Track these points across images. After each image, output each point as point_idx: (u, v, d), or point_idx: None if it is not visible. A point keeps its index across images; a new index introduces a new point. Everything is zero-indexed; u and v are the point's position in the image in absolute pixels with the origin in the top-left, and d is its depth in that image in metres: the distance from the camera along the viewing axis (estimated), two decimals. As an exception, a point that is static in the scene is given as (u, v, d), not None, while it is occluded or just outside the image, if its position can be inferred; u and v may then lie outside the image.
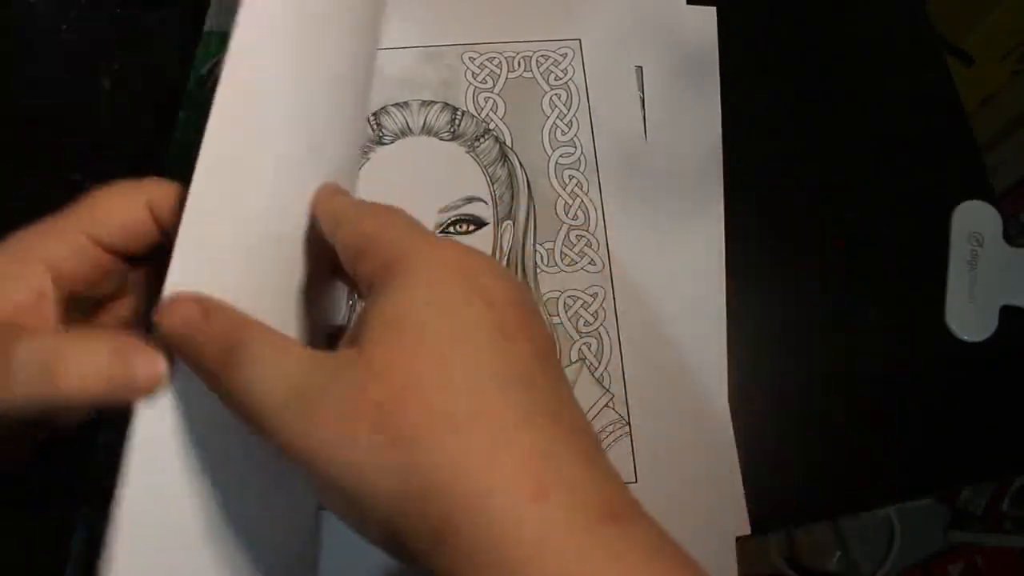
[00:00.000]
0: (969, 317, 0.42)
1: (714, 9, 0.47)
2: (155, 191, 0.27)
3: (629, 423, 0.39)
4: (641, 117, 0.45)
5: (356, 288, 0.23)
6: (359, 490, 0.19)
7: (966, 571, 0.93)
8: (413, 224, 0.24)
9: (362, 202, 0.26)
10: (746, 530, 0.37)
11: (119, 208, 0.26)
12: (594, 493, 0.19)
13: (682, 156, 0.44)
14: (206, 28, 0.45)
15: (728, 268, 0.42)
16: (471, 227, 0.41)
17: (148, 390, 0.22)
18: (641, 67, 0.46)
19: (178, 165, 0.42)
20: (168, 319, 0.22)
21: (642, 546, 0.19)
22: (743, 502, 0.38)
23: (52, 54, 0.45)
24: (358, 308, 0.22)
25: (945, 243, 0.44)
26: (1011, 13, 0.78)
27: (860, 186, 0.45)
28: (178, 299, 0.22)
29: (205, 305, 0.22)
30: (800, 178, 0.45)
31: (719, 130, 0.44)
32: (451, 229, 0.41)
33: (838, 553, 0.97)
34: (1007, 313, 0.42)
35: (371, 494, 0.19)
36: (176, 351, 0.22)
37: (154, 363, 0.22)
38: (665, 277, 0.41)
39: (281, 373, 0.20)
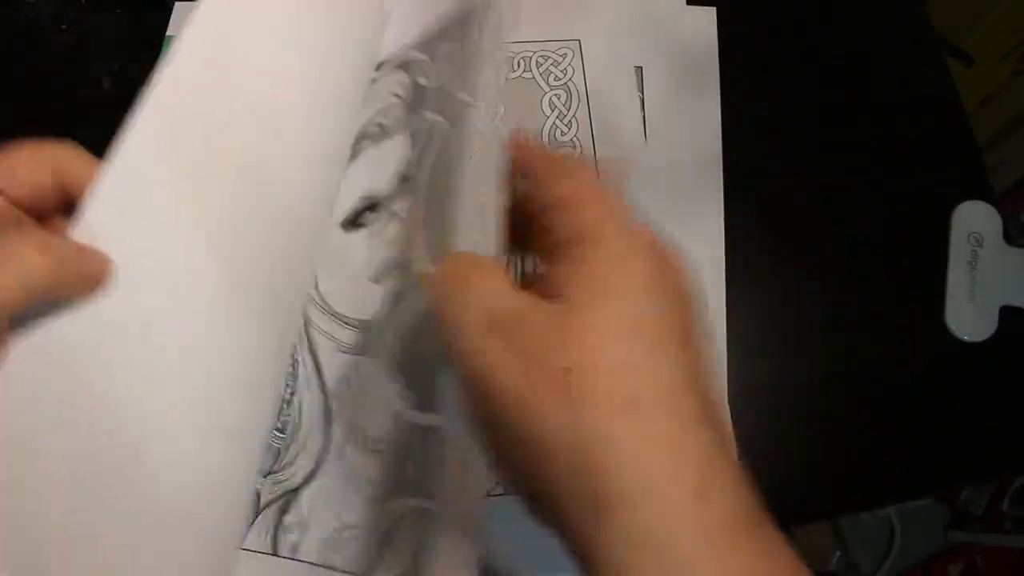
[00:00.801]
0: (969, 317, 0.42)
1: (714, 9, 0.47)
2: (65, 156, 0.28)
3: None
4: (641, 117, 0.45)
5: (534, 232, 0.25)
6: (527, 436, 0.21)
7: (966, 571, 0.93)
8: (613, 199, 0.24)
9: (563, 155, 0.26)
10: None
11: (25, 167, 0.27)
12: (744, 499, 0.21)
13: (682, 156, 0.44)
14: (168, 33, 0.45)
15: (728, 268, 0.42)
16: None
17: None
18: (641, 67, 0.46)
19: None
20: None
21: (782, 552, 0.21)
22: None
23: (52, 54, 0.45)
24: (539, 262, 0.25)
25: (945, 243, 0.44)
26: (1011, 13, 0.78)
27: (860, 186, 0.45)
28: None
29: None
30: (800, 178, 0.45)
31: (719, 130, 0.44)
32: None
33: (838, 553, 0.97)
34: (1007, 313, 0.42)
35: (538, 445, 0.20)
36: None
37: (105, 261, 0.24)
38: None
39: (491, 305, 0.22)
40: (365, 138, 0.39)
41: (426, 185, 0.37)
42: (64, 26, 0.46)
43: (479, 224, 0.28)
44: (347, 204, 0.38)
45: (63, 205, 0.27)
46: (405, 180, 0.38)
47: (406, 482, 0.33)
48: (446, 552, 0.28)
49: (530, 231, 0.26)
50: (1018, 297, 0.43)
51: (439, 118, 0.37)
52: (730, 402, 0.39)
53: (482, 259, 0.25)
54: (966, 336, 0.42)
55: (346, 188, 0.38)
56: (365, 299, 0.37)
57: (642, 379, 0.21)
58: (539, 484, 0.21)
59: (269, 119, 0.30)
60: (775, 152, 0.45)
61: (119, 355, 0.25)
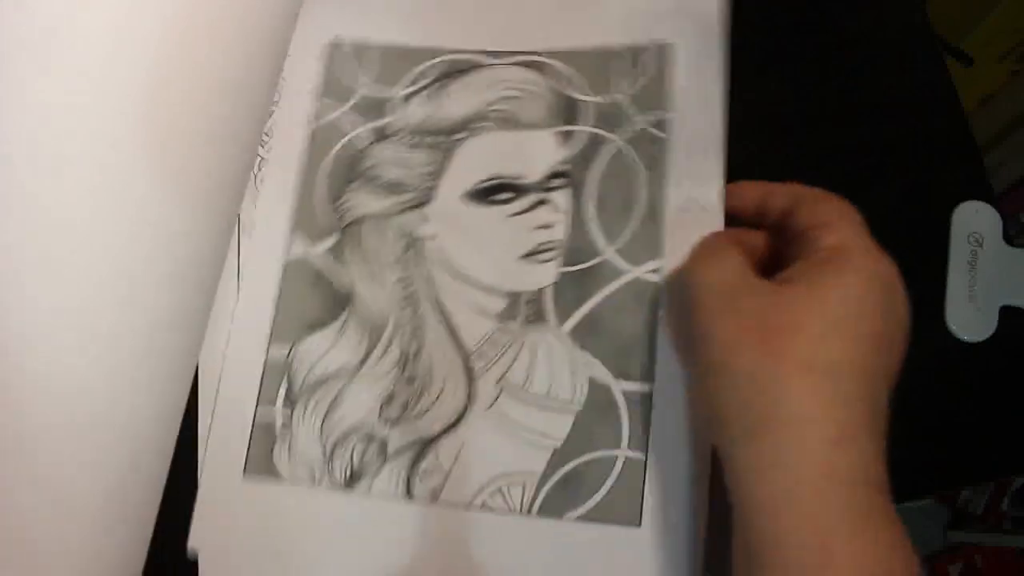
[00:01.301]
0: (969, 317, 0.42)
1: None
2: None
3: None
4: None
5: (788, 232, 0.33)
6: (729, 366, 0.27)
7: (966, 571, 0.93)
8: (863, 226, 0.31)
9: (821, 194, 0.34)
10: None
11: None
12: (873, 467, 0.26)
13: (689, 145, 0.43)
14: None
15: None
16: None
17: None
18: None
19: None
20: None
21: (897, 522, 0.26)
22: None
23: (52, 54, 0.45)
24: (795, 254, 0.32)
25: (945, 243, 0.44)
26: (1011, 13, 0.78)
27: (859, 186, 0.45)
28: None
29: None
30: (798, 178, 0.45)
31: (720, 129, 0.44)
32: None
33: (838, 553, 0.96)
34: (1007, 313, 0.43)
35: (735, 370, 0.27)
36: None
37: None
38: (665, 270, 0.41)
39: (727, 276, 0.29)
40: (483, 120, 0.42)
41: (599, 186, 0.41)
42: (64, 26, 0.46)
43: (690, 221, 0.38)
44: (470, 179, 0.41)
45: None
46: (562, 176, 0.41)
47: (591, 436, 0.36)
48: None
49: (779, 249, 0.33)
50: (1018, 297, 0.43)
51: (610, 135, 0.42)
52: (730, 402, 0.39)
53: (723, 236, 0.34)
54: (966, 336, 0.42)
55: (463, 163, 0.42)
56: (513, 272, 0.39)
57: (839, 355, 0.26)
58: (718, 405, 0.27)
59: None
60: (774, 151, 0.45)
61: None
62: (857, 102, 0.47)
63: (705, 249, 0.32)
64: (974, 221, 0.44)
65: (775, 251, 0.33)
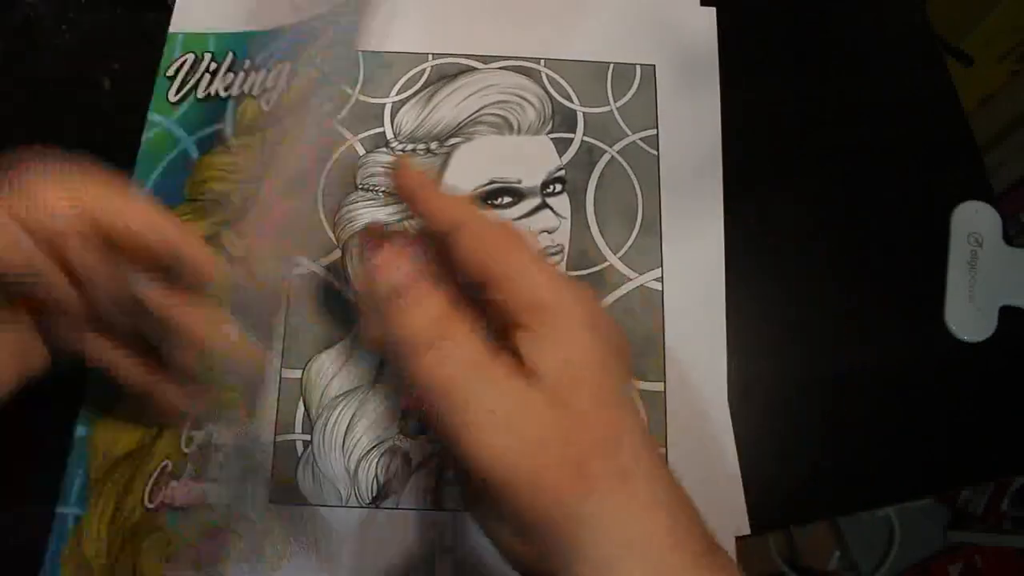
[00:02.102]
0: (969, 317, 0.42)
1: (713, 10, 0.47)
2: (86, 184, 0.28)
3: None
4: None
5: (490, 304, 0.26)
6: (539, 521, 0.23)
7: (966, 571, 0.93)
8: (545, 264, 0.26)
9: (479, 213, 0.27)
10: (746, 530, 0.37)
11: (44, 194, 0.27)
12: (702, 543, 0.24)
13: (681, 156, 0.44)
14: (171, 30, 0.45)
15: (727, 268, 0.42)
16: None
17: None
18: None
19: (147, 167, 0.42)
20: (414, 320, 0.26)
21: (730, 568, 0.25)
22: (743, 501, 0.38)
23: (52, 54, 0.45)
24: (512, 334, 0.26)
25: (945, 243, 0.44)
26: (1010, 13, 0.78)
27: (859, 186, 0.45)
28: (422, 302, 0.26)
29: (456, 323, 0.26)
30: (799, 178, 0.45)
31: (719, 130, 0.44)
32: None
33: (838, 553, 0.97)
34: (1007, 313, 0.43)
35: (548, 526, 0.23)
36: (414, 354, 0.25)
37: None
38: (665, 276, 0.41)
39: (506, 400, 0.24)
40: (477, 124, 0.43)
41: (596, 193, 0.42)
42: (64, 26, 0.46)
43: None
44: (468, 184, 0.42)
45: (91, 231, 0.28)
46: (560, 182, 0.42)
47: None
48: None
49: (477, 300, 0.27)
50: (1018, 297, 0.43)
51: (604, 145, 0.43)
52: (730, 402, 0.39)
53: (485, 351, 0.25)
54: (966, 336, 0.42)
55: (460, 168, 0.42)
56: None
57: (623, 448, 0.24)
58: (547, 562, 0.24)
59: None
60: (774, 152, 0.45)
61: None
62: (857, 102, 0.47)
63: (483, 378, 0.25)
64: (974, 221, 0.44)
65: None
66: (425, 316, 0.25)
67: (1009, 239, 0.44)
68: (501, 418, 0.23)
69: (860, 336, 0.42)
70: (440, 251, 0.27)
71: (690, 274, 0.41)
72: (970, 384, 0.42)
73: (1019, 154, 0.83)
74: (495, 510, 0.25)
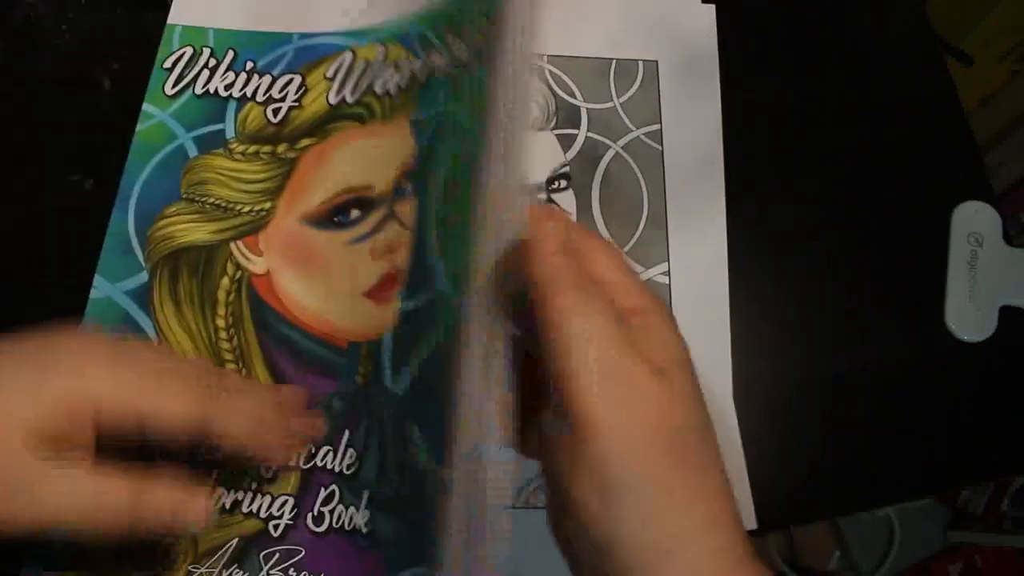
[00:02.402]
0: (969, 317, 0.42)
1: (713, 7, 0.47)
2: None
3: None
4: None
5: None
6: (626, 483, 0.24)
7: (966, 571, 0.93)
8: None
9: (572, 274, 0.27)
10: (753, 524, 0.38)
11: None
12: (742, 533, 0.25)
13: (682, 156, 0.44)
14: (169, 21, 0.45)
15: (729, 268, 0.42)
16: None
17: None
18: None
19: (140, 160, 0.41)
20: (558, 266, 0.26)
21: None
22: (749, 496, 0.38)
23: (52, 54, 0.45)
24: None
25: (945, 243, 0.44)
26: (1011, 13, 0.78)
27: (859, 186, 0.45)
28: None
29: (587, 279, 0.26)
30: (799, 178, 0.45)
31: (719, 129, 0.44)
32: None
33: (838, 553, 0.97)
34: (1007, 313, 0.42)
35: (631, 489, 0.24)
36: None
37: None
38: (672, 271, 0.41)
39: (611, 349, 0.24)
40: None
41: (601, 188, 0.41)
42: (64, 26, 0.46)
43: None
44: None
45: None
46: (567, 178, 0.42)
47: None
48: None
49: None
50: (1018, 297, 0.43)
51: (607, 141, 0.42)
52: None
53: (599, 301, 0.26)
54: (966, 336, 0.42)
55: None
56: None
57: (698, 436, 0.25)
58: (616, 526, 0.24)
59: None
60: (774, 152, 0.45)
61: None
62: (857, 102, 0.47)
63: (583, 296, 0.25)
64: (974, 221, 0.44)
65: None
66: (575, 267, 0.26)
67: (1009, 239, 0.44)
68: (609, 370, 0.24)
69: (860, 336, 0.42)
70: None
71: (696, 268, 0.41)
72: (970, 384, 0.42)
73: (1019, 154, 0.83)
74: (580, 460, 0.24)
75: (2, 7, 0.46)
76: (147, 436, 0.29)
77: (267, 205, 0.39)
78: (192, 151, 0.41)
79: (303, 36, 0.44)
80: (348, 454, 0.35)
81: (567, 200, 0.42)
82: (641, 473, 0.24)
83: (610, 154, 0.43)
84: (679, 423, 0.24)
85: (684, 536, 0.24)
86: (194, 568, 0.33)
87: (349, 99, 0.42)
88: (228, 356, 0.36)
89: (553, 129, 0.43)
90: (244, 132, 0.41)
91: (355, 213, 0.38)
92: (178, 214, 0.39)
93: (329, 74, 0.43)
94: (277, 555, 0.33)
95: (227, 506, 0.34)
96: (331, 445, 0.35)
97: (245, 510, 0.34)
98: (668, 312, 0.27)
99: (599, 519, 0.24)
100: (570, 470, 0.25)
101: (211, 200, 0.39)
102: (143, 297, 0.37)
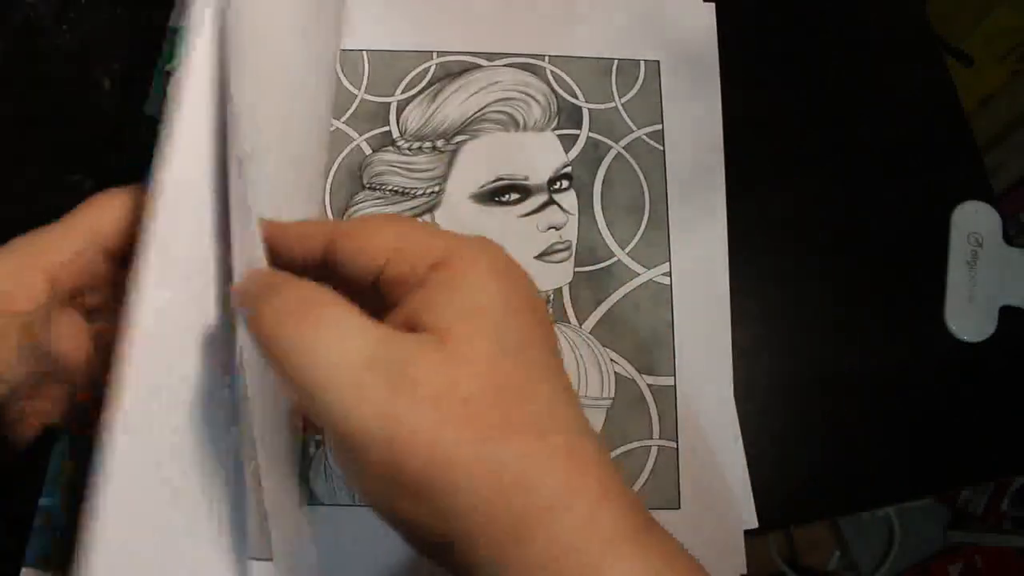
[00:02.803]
0: (969, 317, 0.42)
1: (712, 5, 0.47)
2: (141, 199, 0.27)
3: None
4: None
5: (386, 292, 0.23)
6: (438, 478, 0.20)
7: (966, 571, 0.93)
8: (440, 230, 0.24)
9: (362, 216, 0.26)
10: (754, 523, 0.38)
11: (113, 216, 0.28)
12: (635, 500, 0.22)
13: (683, 156, 0.44)
14: (171, 24, 0.45)
15: (730, 268, 0.42)
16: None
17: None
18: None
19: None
20: (243, 284, 0.23)
21: (676, 548, 0.22)
22: (750, 496, 0.38)
23: (52, 54, 0.45)
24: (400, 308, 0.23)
25: (945, 243, 0.44)
26: (1011, 13, 0.78)
27: (859, 186, 0.45)
28: (256, 271, 0.23)
29: (281, 276, 0.23)
30: (799, 178, 0.45)
31: (720, 129, 0.44)
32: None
33: (838, 553, 0.97)
34: (1007, 313, 0.43)
35: (452, 484, 0.20)
36: (248, 313, 0.22)
37: None
38: (673, 271, 0.41)
39: (358, 343, 0.20)
40: (482, 122, 0.43)
41: (603, 188, 0.43)
42: (64, 26, 0.46)
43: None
44: (476, 182, 0.42)
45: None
46: (566, 178, 0.43)
47: (624, 429, 0.38)
48: None
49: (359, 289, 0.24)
50: (1018, 297, 0.43)
51: (610, 141, 0.43)
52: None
53: (322, 290, 0.22)
54: (966, 336, 0.42)
55: (466, 166, 0.42)
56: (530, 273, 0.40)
57: (534, 398, 0.21)
58: (451, 523, 0.20)
59: None
60: (774, 152, 0.45)
61: None
62: (857, 102, 0.47)
63: (304, 307, 0.21)
64: (974, 221, 0.44)
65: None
66: (254, 281, 0.23)
67: (1009, 239, 0.44)
68: (346, 371, 0.20)
69: (860, 336, 0.42)
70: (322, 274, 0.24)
71: (697, 268, 0.42)
72: (970, 384, 0.42)
73: (1019, 154, 0.83)
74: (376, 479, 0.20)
75: (2, 7, 0.46)
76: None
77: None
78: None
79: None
80: None
81: (569, 200, 0.42)
82: (443, 473, 0.19)
83: (612, 154, 0.43)
84: (472, 390, 0.20)
85: (531, 517, 0.20)
86: None
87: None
88: None
89: (555, 129, 0.43)
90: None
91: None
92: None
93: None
94: None
95: None
96: None
97: None
98: (481, 258, 0.22)
99: (433, 530, 0.20)
100: (362, 482, 0.21)
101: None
102: None
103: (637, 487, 0.38)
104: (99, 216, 0.28)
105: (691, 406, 0.39)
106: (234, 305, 0.23)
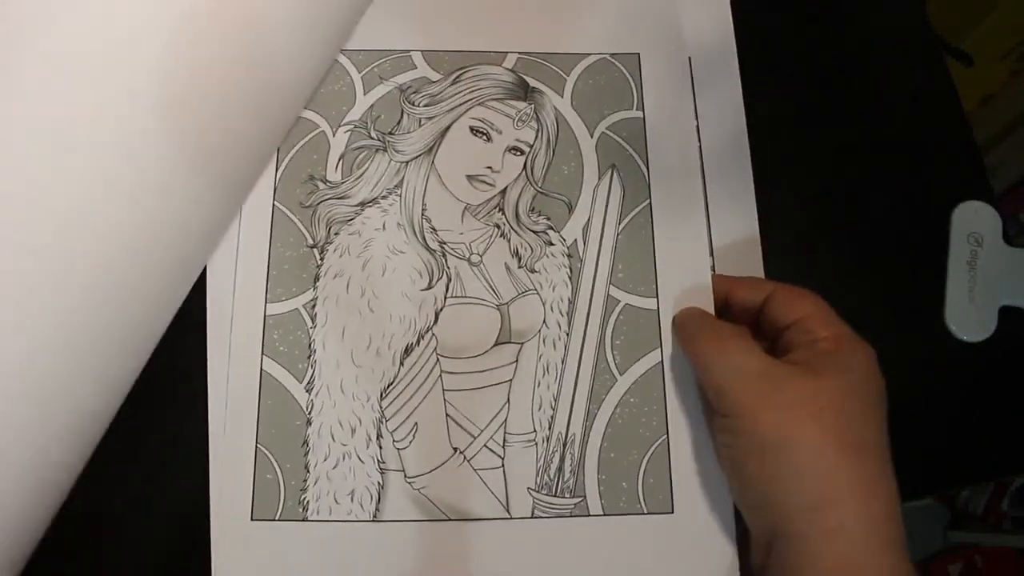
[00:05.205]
0: (969, 317, 0.42)
1: (727, 1, 0.46)
2: None
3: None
4: None
5: (769, 330, 0.36)
6: (785, 448, 0.30)
7: (966, 571, 0.93)
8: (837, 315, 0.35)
9: (790, 286, 0.37)
10: None
11: None
12: (902, 538, 0.30)
13: (714, 144, 0.43)
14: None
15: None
16: None
17: None
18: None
19: None
20: (684, 320, 0.38)
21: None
22: None
23: (52, 54, 0.45)
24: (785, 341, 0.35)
25: (944, 243, 0.44)
26: (1011, 13, 0.78)
27: (859, 186, 0.45)
28: (695, 310, 0.38)
29: (710, 316, 0.38)
30: (798, 178, 0.45)
31: (743, 124, 0.44)
32: None
33: (838, 553, 0.96)
34: (1007, 313, 0.43)
35: (793, 460, 0.30)
36: (686, 336, 0.37)
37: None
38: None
39: (754, 362, 0.32)
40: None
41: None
42: (64, 26, 0.46)
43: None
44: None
45: None
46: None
47: None
48: None
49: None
50: (1018, 297, 0.43)
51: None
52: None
53: (735, 327, 0.35)
54: (966, 336, 0.42)
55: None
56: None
57: (867, 428, 0.31)
58: (777, 480, 0.30)
59: None
60: (773, 152, 0.45)
61: None
62: (856, 102, 0.47)
63: (722, 335, 0.34)
64: (974, 221, 0.44)
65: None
66: (693, 318, 0.38)
67: (1009, 239, 0.44)
68: (745, 377, 0.32)
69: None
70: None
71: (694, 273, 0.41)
72: (970, 384, 0.42)
73: (1019, 154, 0.83)
74: (738, 436, 0.31)
75: (2, 7, 0.46)
76: None
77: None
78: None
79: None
80: None
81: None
82: (791, 436, 0.29)
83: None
84: (823, 404, 0.30)
85: (835, 496, 0.29)
86: None
87: None
88: None
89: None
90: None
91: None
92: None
93: None
94: None
95: None
96: None
97: None
98: (861, 347, 0.34)
99: (758, 478, 0.30)
100: (731, 443, 0.32)
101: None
102: None
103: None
104: None
105: (681, 392, 0.38)
106: (675, 332, 0.38)
